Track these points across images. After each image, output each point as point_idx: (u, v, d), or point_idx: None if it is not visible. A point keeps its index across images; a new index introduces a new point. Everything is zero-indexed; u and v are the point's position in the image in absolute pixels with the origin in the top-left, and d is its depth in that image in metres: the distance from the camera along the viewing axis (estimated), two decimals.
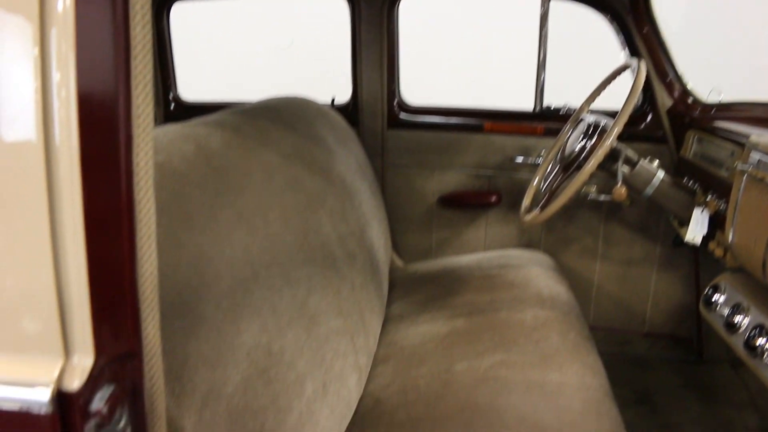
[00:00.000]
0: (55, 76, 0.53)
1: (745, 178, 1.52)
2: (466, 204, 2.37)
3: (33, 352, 0.58)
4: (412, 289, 1.90)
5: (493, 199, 2.33)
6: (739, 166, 1.54)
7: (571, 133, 1.83)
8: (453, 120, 2.35)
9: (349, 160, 1.84)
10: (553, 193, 1.76)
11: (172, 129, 1.19)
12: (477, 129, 2.32)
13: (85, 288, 0.57)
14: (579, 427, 1.14)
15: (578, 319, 1.63)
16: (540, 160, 2.24)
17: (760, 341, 1.55)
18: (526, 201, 1.92)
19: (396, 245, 2.39)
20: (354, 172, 1.84)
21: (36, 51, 0.52)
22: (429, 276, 1.99)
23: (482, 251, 2.29)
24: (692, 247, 2.26)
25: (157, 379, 0.67)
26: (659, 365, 2.34)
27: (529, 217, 1.75)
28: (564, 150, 1.78)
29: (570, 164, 1.72)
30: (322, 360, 1.16)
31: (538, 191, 1.94)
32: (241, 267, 1.01)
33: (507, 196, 2.34)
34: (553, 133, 2.16)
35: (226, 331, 0.91)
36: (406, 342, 1.55)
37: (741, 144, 1.62)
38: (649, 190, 1.77)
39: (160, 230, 0.80)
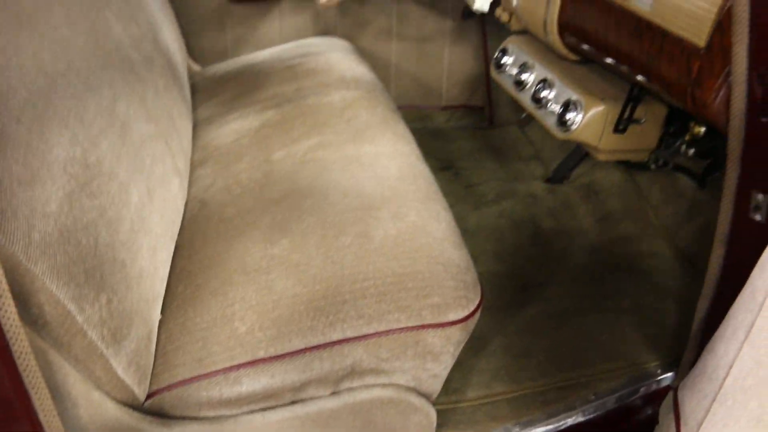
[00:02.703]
0: None
1: None
2: None
3: None
4: (216, 91, 1.84)
5: None
6: None
7: None
8: None
9: None
10: None
11: None
12: None
13: None
14: (398, 190, 1.23)
15: (383, 95, 1.68)
16: None
17: (544, 93, 1.73)
18: None
19: (190, 49, 2.25)
20: None
21: None
22: (230, 75, 1.93)
23: (280, 44, 2.23)
24: (480, 18, 2.37)
25: None
26: (457, 134, 2.53)
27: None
28: None
29: None
30: (142, 166, 1.12)
31: None
32: (34, 76, 0.91)
33: None
34: None
35: (34, 147, 0.84)
36: (220, 141, 1.52)
37: None
38: None
39: None
